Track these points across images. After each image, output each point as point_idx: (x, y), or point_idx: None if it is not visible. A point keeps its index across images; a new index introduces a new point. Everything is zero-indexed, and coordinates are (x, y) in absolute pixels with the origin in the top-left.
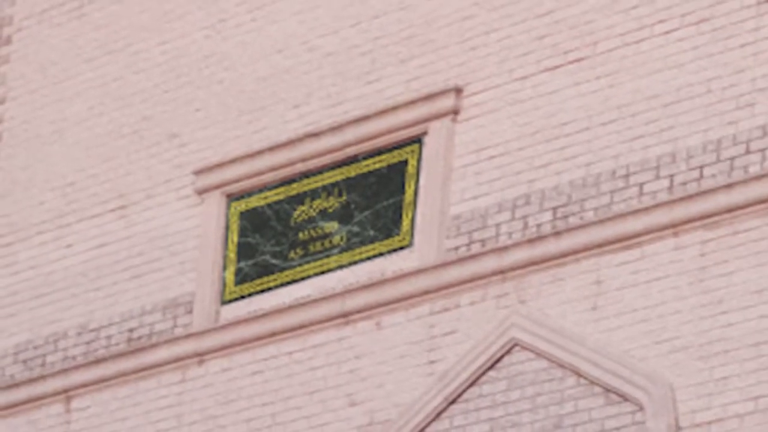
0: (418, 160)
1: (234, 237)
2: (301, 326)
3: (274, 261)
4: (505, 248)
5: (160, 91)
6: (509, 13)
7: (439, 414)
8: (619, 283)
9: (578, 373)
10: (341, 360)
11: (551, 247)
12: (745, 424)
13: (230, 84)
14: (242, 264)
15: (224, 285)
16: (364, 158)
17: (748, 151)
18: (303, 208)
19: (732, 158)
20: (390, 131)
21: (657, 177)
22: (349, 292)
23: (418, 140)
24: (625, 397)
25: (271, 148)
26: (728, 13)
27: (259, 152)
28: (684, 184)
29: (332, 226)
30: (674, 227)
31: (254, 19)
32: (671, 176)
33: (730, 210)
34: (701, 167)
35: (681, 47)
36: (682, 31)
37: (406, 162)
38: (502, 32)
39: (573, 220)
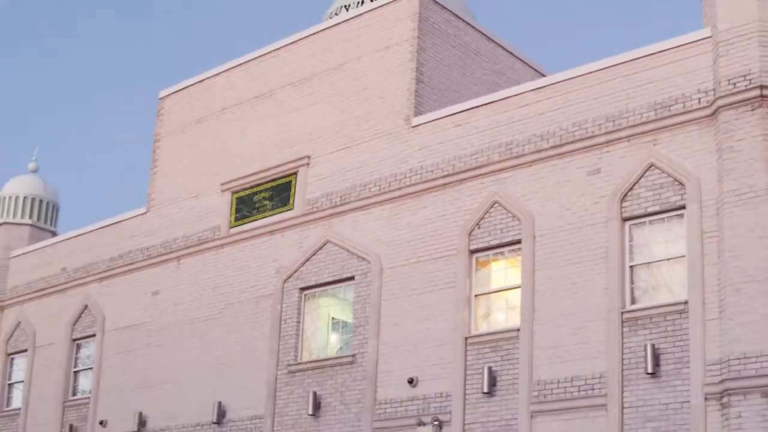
0: (295, 181)
1: (233, 206)
2: (257, 236)
3: (247, 213)
4: (325, 209)
5: (210, 163)
6: (329, 129)
7: (302, 264)
8: (363, 222)
9: (347, 248)
10: (271, 248)
11: (343, 207)
12: (405, 270)
13: (233, 160)
14: (237, 215)
15: (230, 223)
16: (278, 179)
17: (409, 172)
18: (257, 197)
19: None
20: (285, 173)
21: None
22: (274, 224)
23: (295, 173)
24: (366, 259)
25: (247, 176)
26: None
27: (242, 177)
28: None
29: (268, 202)
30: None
31: (242, 135)
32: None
33: (407, 195)
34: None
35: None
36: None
37: (291, 182)
38: (327, 135)
39: (352, 201)
